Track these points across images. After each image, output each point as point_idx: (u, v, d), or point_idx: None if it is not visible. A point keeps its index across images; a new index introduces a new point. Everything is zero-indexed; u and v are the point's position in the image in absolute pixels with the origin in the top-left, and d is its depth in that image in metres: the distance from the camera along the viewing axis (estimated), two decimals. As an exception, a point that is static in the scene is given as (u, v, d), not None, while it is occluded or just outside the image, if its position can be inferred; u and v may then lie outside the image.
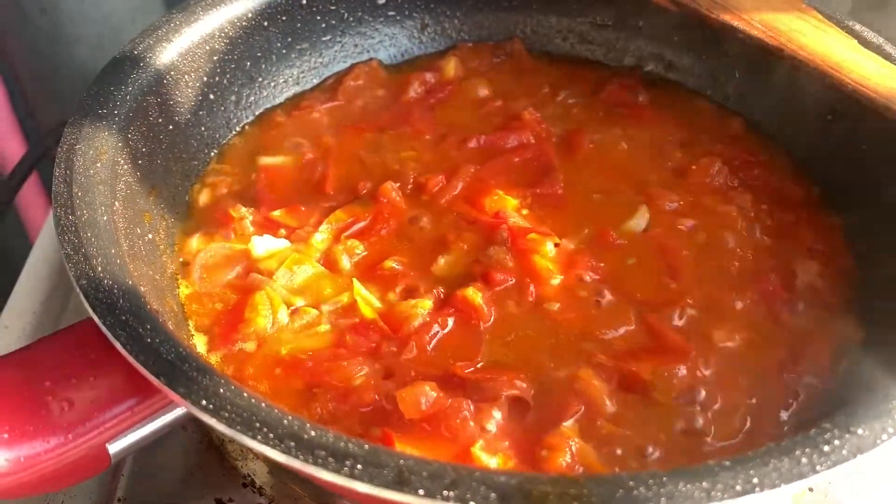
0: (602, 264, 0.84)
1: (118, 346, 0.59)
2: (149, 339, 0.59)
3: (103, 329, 0.60)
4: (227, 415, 0.55)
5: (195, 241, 0.87)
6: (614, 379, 0.74)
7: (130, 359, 0.58)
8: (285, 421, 0.55)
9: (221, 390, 0.56)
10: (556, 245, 0.86)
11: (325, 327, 0.79)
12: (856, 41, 0.87)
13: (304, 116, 1.02)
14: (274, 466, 0.80)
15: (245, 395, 0.56)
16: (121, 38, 1.15)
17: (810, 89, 0.91)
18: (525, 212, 0.90)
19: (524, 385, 0.73)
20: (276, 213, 0.90)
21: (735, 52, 1.00)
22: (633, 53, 1.11)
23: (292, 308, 0.80)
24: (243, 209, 0.90)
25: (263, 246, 0.85)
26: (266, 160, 0.96)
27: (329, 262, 0.85)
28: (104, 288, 0.63)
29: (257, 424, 0.54)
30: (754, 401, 0.74)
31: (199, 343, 0.78)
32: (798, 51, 0.86)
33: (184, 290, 0.83)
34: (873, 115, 0.81)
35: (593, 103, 1.06)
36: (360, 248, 0.86)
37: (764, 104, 1.00)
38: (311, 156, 0.97)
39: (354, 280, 0.82)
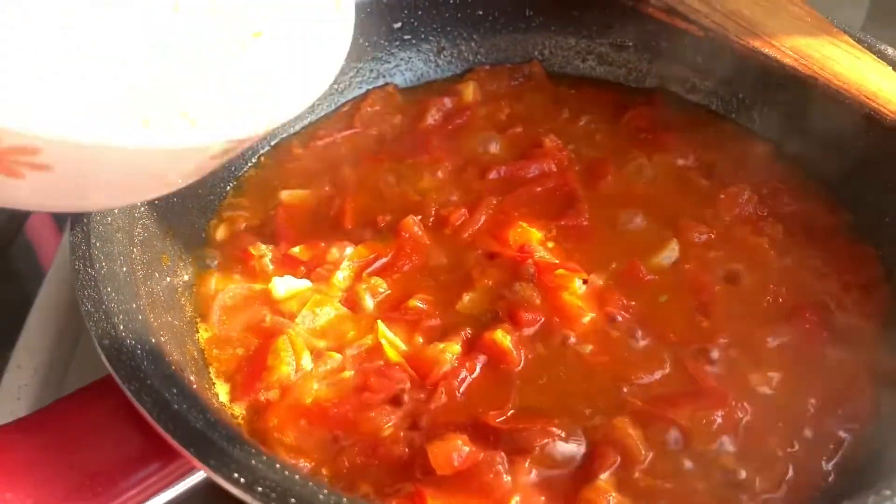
0: (633, 302, 0.82)
1: (144, 413, 0.57)
2: (176, 406, 0.57)
3: (129, 395, 0.58)
4: (260, 489, 0.53)
5: (214, 282, 0.84)
6: (651, 426, 0.72)
7: (158, 428, 0.56)
8: (321, 496, 0.52)
9: (254, 462, 0.54)
10: (585, 281, 0.83)
11: (348, 374, 0.76)
12: (891, 69, 0.84)
13: (321, 147, 1.00)
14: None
15: (278, 466, 0.54)
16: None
17: (843, 117, 0.88)
18: (550, 244, 0.88)
19: (560, 433, 0.71)
20: (296, 250, 0.87)
21: (762, 76, 0.98)
22: (655, 75, 1.08)
23: (315, 352, 0.78)
24: (263, 247, 0.87)
25: (284, 286, 0.83)
26: (285, 195, 0.93)
27: (351, 301, 0.83)
28: (127, 349, 0.60)
29: (293, 500, 0.52)
30: (796, 448, 0.71)
31: (221, 392, 0.76)
32: (832, 80, 0.83)
33: (203, 335, 0.80)
34: None
35: (616, 128, 1.03)
36: (383, 287, 0.84)
37: (792, 129, 0.98)
38: (329, 188, 0.95)
39: (379, 322, 0.80)
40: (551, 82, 1.10)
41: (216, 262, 0.87)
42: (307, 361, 0.77)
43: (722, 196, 0.92)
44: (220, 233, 0.90)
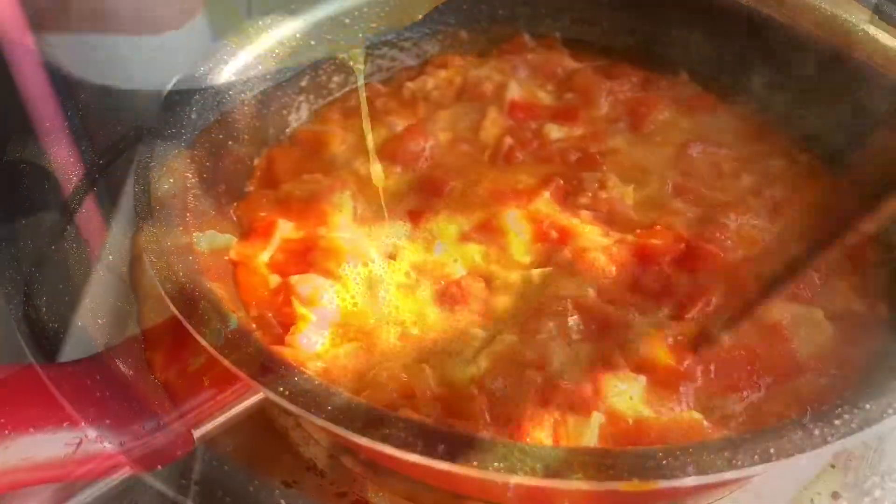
0: None
1: (204, 343, 0.67)
2: (230, 336, 0.67)
3: (189, 328, 0.68)
4: (302, 399, 0.63)
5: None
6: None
7: (217, 354, 0.66)
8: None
9: (296, 378, 0.64)
10: None
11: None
12: (870, 11, 0.88)
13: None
14: (333, 451, 0.87)
15: (316, 382, 0.64)
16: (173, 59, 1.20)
17: (814, 64, 0.92)
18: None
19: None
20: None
21: (728, 27, 1.04)
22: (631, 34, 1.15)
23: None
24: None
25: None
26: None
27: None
28: (187, 292, 0.71)
29: (329, 407, 0.62)
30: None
31: None
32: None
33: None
34: (883, 93, 0.82)
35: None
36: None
37: (761, 77, 1.02)
38: None
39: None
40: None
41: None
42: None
43: (696, 155, 0.98)
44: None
